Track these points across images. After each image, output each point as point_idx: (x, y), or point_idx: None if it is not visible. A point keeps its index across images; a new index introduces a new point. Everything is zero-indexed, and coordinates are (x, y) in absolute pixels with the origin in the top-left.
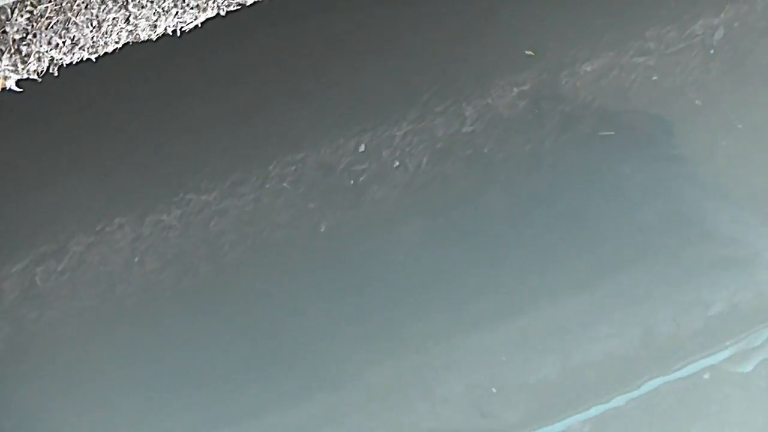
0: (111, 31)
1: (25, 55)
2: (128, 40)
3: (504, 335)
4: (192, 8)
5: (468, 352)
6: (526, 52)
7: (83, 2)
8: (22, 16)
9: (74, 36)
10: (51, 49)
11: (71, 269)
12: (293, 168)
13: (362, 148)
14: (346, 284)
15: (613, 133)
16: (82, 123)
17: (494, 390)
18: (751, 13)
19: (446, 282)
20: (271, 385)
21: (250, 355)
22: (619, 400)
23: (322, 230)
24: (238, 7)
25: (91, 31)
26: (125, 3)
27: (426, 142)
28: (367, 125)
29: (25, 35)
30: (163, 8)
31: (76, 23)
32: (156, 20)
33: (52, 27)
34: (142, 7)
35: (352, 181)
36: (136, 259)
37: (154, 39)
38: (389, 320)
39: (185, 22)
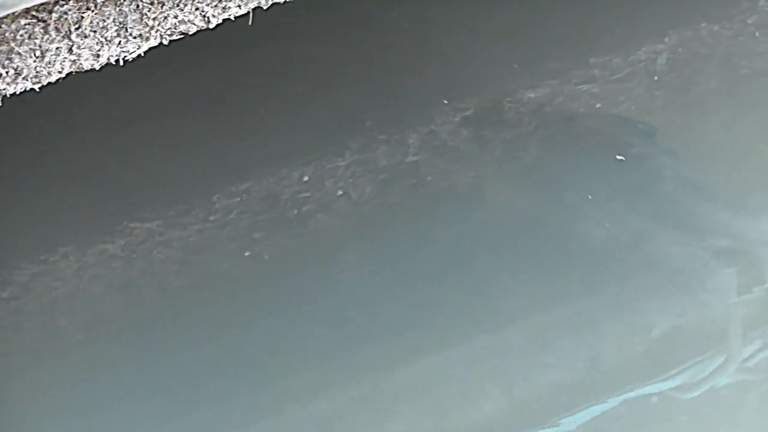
0: (54, 60)
1: None
2: (71, 69)
3: (448, 364)
4: (135, 38)
5: (412, 381)
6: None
7: (26, 32)
8: None
9: (17, 66)
10: None
11: (15, 298)
12: (238, 198)
13: (306, 178)
14: (290, 314)
15: (623, 158)
16: (24, 153)
17: (438, 419)
18: (695, 39)
19: (389, 311)
20: (210, 417)
21: (193, 384)
22: (564, 427)
23: (266, 259)
24: (181, 37)
25: (35, 61)
26: (68, 32)
27: (370, 172)
28: (311, 155)
29: None
30: (105, 38)
31: (19, 53)
32: (99, 50)
33: None
34: (85, 37)
35: (296, 211)
36: (81, 288)
37: (98, 68)
38: (332, 349)
39: (128, 51)
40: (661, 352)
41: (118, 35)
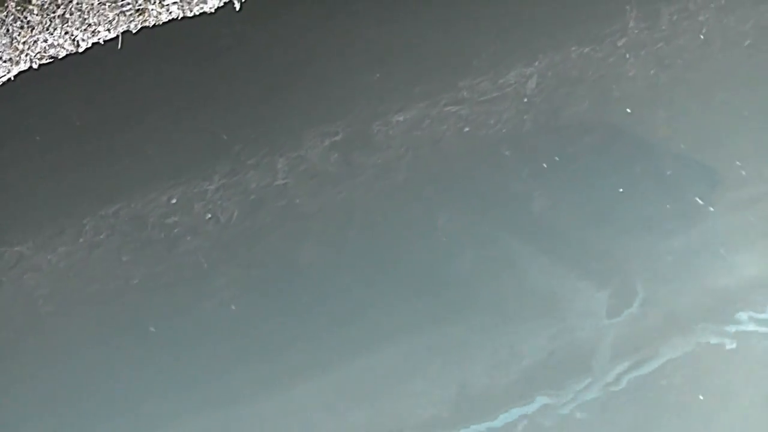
0: None
1: None
2: None
3: (316, 389)
4: (5, 62)
5: (278, 407)
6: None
7: None
8: None
9: None
10: None
11: None
12: (107, 222)
13: (174, 200)
14: (159, 338)
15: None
16: None
17: None
18: (565, 62)
19: (257, 335)
20: None
21: (61, 411)
22: None
23: (135, 283)
24: (51, 60)
25: None
26: None
27: (238, 195)
28: (180, 179)
29: None
30: None
31: None
32: None
33: None
34: None
35: (164, 234)
36: None
37: None
38: (201, 374)
39: None
40: (531, 374)
41: None
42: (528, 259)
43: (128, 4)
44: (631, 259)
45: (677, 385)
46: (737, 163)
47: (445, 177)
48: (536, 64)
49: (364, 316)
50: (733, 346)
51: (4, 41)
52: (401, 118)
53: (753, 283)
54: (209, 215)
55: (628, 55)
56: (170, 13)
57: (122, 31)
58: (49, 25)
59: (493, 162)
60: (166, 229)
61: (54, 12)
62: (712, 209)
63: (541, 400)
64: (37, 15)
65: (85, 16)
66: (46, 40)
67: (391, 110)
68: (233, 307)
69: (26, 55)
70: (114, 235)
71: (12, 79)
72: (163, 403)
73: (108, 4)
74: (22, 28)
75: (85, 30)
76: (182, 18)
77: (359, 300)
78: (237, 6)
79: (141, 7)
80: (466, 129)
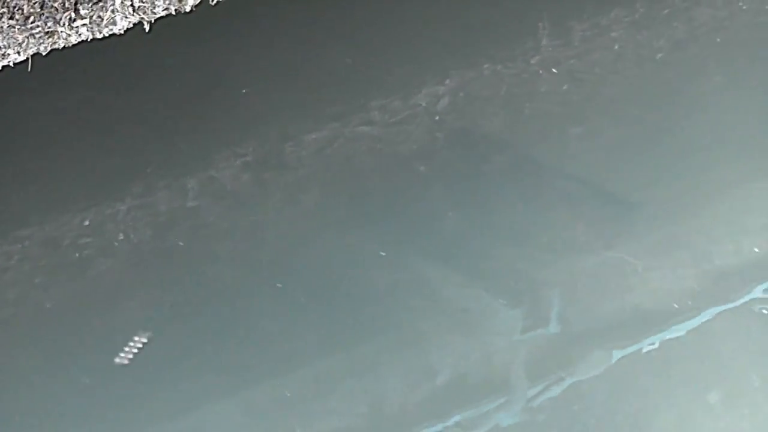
0: None
1: None
2: None
3: (228, 410)
4: None
5: (190, 429)
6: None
7: None
8: None
9: None
10: None
11: None
12: (19, 245)
13: (87, 222)
14: (71, 360)
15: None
16: None
17: None
18: (476, 80)
19: (169, 359)
20: None
21: None
22: None
23: (48, 307)
24: None
25: None
26: None
27: (150, 216)
28: (92, 200)
29: None
30: None
31: None
32: None
33: None
34: None
35: (77, 255)
36: None
37: None
38: (114, 397)
39: None
40: (445, 393)
41: None
42: (442, 277)
43: (37, 26)
44: (546, 277)
45: (593, 402)
46: (651, 178)
47: (357, 196)
48: (448, 82)
49: (276, 335)
50: (648, 361)
51: None
52: (313, 138)
53: (666, 299)
54: (121, 236)
55: (540, 72)
56: (80, 35)
57: (32, 53)
58: None
59: (406, 181)
60: (79, 250)
61: None
62: (626, 226)
63: (455, 419)
64: None
65: None
66: None
67: (303, 130)
68: (146, 328)
69: None
70: (26, 257)
71: None
72: (71, 429)
73: (17, 26)
74: None
75: None
76: (92, 40)
77: (271, 320)
78: (147, 28)
79: (50, 29)
80: (378, 148)
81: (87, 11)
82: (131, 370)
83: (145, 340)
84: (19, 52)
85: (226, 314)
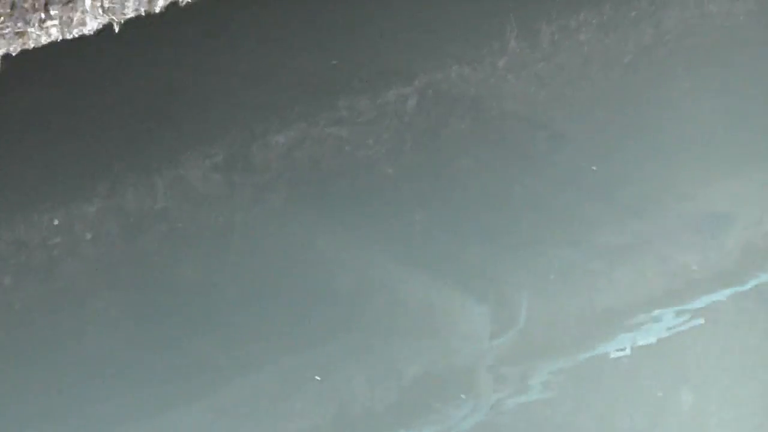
0: None
1: None
2: None
3: (194, 413)
4: None
5: (156, 430)
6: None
7: None
8: None
9: None
10: None
11: None
12: None
13: (56, 222)
14: (40, 363)
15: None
16: None
17: None
18: (444, 81)
19: (139, 361)
20: None
21: None
22: None
23: (17, 308)
24: None
25: None
26: None
27: (118, 216)
28: (60, 200)
29: None
30: None
31: None
32: None
33: None
34: None
35: (45, 256)
36: None
37: None
38: (78, 400)
39: None
40: (411, 396)
41: None
42: (409, 278)
43: (7, 27)
44: (514, 278)
45: (562, 404)
46: (618, 180)
47: (325, 197)
48: (416, 83)
49: (242, 336)
50: (616, 363)
51: None
52: (281, 139)
53: (634, 299)
54: (90, 236)
55: (508, 76)
56: (50, 35)
57: (2, 54)
58: None
59: (374, 181)
60: (48, 251)
61: None
62: (592, 227)
63: (422, 423)
64: None
65: None
66: None
67: (271, 130)
68: (115, 330)
69: None
70: None
71: None
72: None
73: None
74: None
75: None
76: (62, 41)
77: (238, 320)
78: (116, 29)
79: (20, 29)
80: (347, 148)
81: (57, 12)
82: (98, 372)
83: None
84: None
85: (194, 315)
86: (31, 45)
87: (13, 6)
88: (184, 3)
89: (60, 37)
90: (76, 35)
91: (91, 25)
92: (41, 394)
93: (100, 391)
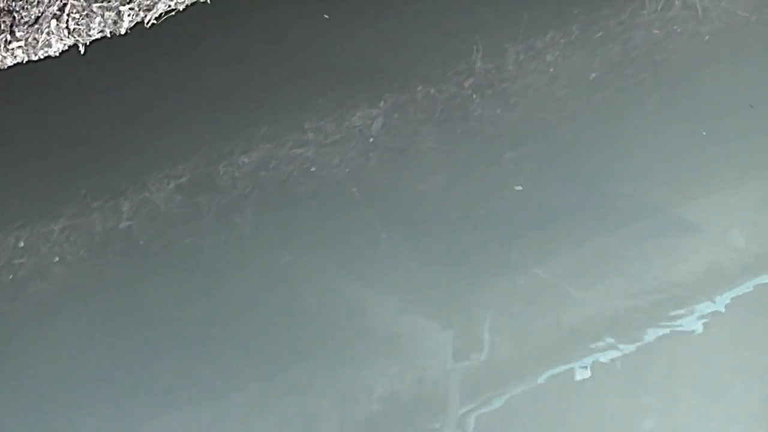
0: None
1: None
2: None
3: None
4: None
5: None
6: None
7: None
8: None
9: None
10: None
11: None
12: None
13: (21, 243)
14: (3, 383)
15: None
16: None
17: None
18: (410, 103)
19: (105, 380)
20: None
21: None
22: None
23: None
24: None
25: None
26: None
27: (84, 237)
28: (26, 220)
29: None
30: None
31: None
32: None
33: None
34: None
35: (11, 276)
36: None
37: None
38: (53, 419)
39: None
40: (379, 416)
41: None
42: (375, 299)
43: None
44: (479, 299)
45: (524, 423)
46: (584, 199)
47: (291, 218)
48: (382, 104)
49: (209, 358)
50: (582, 382)
51: None
52: (246, 160)
53: (599, 318)
54: (57, 258)
55: (474, 96)
56: (15, 57)
57: None
58: None
59: (340, 203)
60: (13, 271)
61: None
62: (559, 247)
63: None
64: None
65: None
66: None
67: (236, 151)
68: (80, 351)
69: None
70: None
71: None
72: None
73: None
74: None
75: None
76: (27, 62)
77: (204, 342)
78: (82, 50)
79: None
80: (312, 170)
81: (22, 33)
82: (60, 392)
83: None
84: None
85: (159, 335)
86: None
87: None
88: (149, 24)
89: (26, 59)
90: (42, 57)
91: (57, 47)
92: (5, 415)
93: (62, 412)
